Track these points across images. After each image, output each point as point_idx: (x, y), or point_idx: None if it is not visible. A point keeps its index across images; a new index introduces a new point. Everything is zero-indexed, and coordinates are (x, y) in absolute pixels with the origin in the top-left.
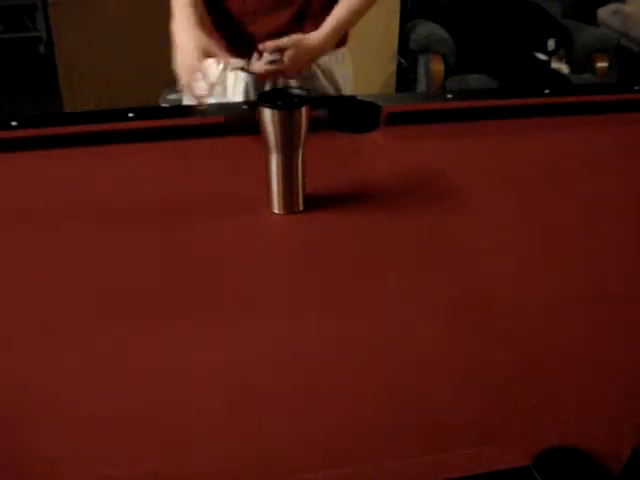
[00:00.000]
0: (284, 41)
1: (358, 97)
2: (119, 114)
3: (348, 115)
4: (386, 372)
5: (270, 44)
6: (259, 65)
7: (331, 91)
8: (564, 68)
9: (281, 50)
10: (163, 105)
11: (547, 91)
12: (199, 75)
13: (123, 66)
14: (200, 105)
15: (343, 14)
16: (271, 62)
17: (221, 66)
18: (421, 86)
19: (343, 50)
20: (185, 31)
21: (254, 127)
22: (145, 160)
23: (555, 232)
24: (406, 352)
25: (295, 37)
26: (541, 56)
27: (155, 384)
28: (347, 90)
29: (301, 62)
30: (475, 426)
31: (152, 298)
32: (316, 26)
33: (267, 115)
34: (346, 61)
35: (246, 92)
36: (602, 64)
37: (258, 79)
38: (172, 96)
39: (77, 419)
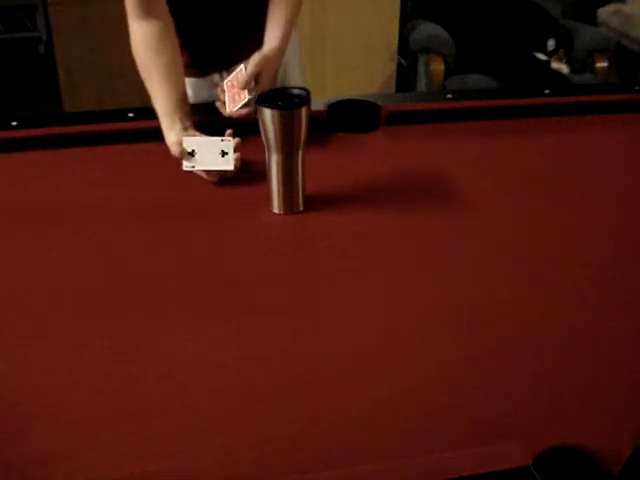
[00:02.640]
0: (254, 69)
1: (358, 97)
2: (119, 114)
3: (348, 115)
4: (386, 372)
5: (244, 80)
6: (237, 112)
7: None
8: (564, 68)
9: (255, 79)
10: None
11: (547, 91)
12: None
13: (123, 66)
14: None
15: (283, 21)
16: (247, 103)
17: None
18: (421, 86)
19: None
20: (162, 116)
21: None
22: (145, 160)
23: (554, 232)
24: (406, 352)
25: (258, 59)
26: (541, 56)
27: (154, 384)
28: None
29: (272, 77)
30: (475, 426)
31: (152, 298)
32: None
33: (267, 115)
34: None
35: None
36: (602, 64)
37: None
38: None
39: (76, 419)
